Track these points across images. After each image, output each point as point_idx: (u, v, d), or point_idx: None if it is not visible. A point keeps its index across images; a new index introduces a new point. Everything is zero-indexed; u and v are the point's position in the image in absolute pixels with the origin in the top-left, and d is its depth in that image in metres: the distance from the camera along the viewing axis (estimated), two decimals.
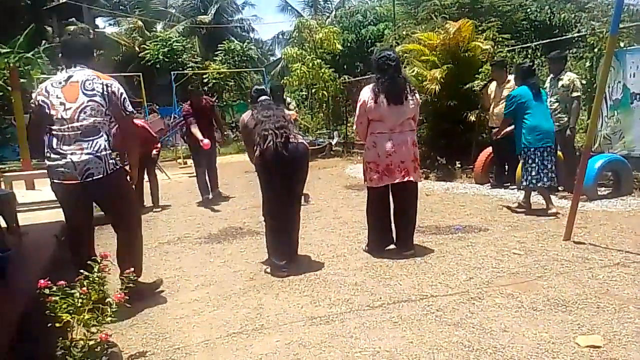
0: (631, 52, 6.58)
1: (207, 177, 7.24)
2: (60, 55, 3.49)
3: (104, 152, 3.09)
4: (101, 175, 3.08)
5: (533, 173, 5.31)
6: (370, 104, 4.03)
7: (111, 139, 3.20)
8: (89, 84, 3.13)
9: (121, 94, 3.22)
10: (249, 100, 4.68)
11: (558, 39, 10.17)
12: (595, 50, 7.05)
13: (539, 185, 5.33)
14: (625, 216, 5.12)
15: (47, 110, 3.10)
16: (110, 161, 3.12)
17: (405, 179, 4.07)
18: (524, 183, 5.43)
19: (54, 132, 3.09)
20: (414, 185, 4.17)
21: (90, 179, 3.06)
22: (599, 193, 6.01)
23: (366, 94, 4.07)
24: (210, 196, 7.17)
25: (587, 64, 7.41)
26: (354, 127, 4.24)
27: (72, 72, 3.19)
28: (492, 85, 7.09)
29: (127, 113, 3.28)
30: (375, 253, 4.23)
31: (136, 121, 6.98)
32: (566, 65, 6.78)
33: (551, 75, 6.46)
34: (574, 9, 15.47)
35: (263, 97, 4.26)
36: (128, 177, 3.42)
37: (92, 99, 3.11)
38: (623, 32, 8.03)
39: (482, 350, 2.54)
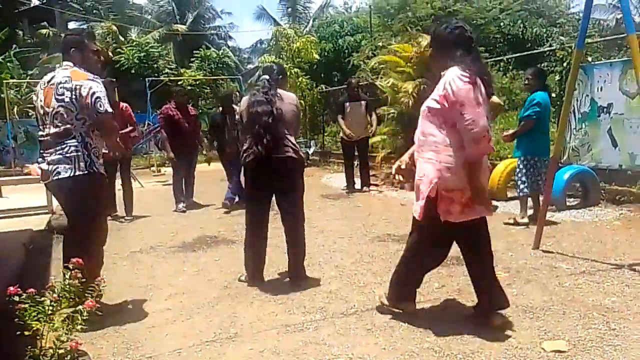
0: (598, 66, 6.83)
1: (184, 185, 7.18)
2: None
3: (73, 154, 3.05)
4: (67, 175, 3.04)
5: (531, 179, 5.27)
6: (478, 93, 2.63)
7: (88, 139, 3.12)
8: (61, 88, 3.06)
9: (92, 94, 3.06)
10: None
11: (530, 52, 10.49)
12: (565, 64, 7.30)
13: (532, 192, 5.31)
14: (592, 226, 5.29)
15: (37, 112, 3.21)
16: (82, 164, 3.07)
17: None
18: (525, 190, 5.32)
19: (41, 139, 3.18)
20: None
21: (57, 177, 3.05)
22: (568, 203, 6.19)
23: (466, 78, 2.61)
24: (183, 205, 7.08)
25: (557, 77, 7.68)
26: (476, 129, 2.55)
27: (56, 72, 3.16)
28: None
29: (98, 114, 3.09)
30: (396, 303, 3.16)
31: (122, 103, 6.81)
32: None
33: None
34: (546, 23, 16.00)
35: (263, 77, 3.80)
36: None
37: (61, 104, 3.05)
38: (592, 46, 8.35)
39: (452, 355, 2.59)
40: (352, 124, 8.20)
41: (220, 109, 7.23)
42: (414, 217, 2.96)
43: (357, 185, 8.41)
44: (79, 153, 3.07)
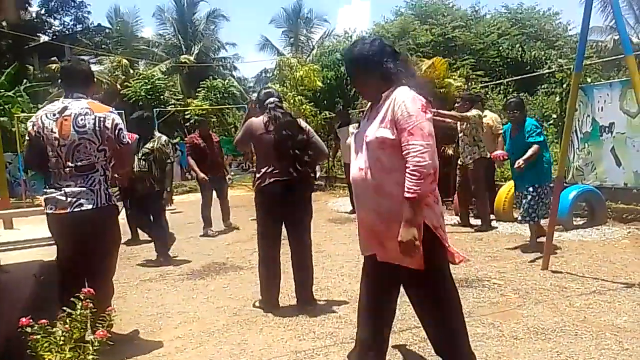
0: (598, 87, 6.92)
1: (212, 209, 7.40)
2: (59, 81, 3.35)
3: (97, 186, 3.04)
4: (91, 207, 3.00)
5: (545, 205, 5.06)
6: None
7: (108, 171, 3.15)
8: (81, 120, 3.00)
9: (115, 125, 3.07)
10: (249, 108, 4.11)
11: (529, 75, 10.63)
12: (564, 86, 7.40)
13: (540, 219, 5.15)
14: (600, 245, 5.27)
15: (43, 143, 3.04)
16: (104, 196, 3.06)
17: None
18: (536, 218, 5.11)
19: (51, 169, 3.07)
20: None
21: (79, 209, 2.99)
22: (575, 223, 6.17)
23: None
24: (212, 230, 7.27)
25: (557, 99, 7.77)
26: (423, 162, 2.13)
27: (67, 103, 3.07)
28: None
29: (122, 145, 3.12)
30: None
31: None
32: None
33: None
34: (544, 46, 16.21)
35: (272, 99, 3.79)
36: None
37: (83, 136, 3.00)
38: (591, 67, 8.46)
39: None
40: (345, 149, 8.34)
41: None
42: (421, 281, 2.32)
43: (350, 208, 8.53)
44: (101, 185, 3.06)
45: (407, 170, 2.14)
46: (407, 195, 2.13)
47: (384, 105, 2.28)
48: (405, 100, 2.21)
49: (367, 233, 2.43)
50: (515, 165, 4.96)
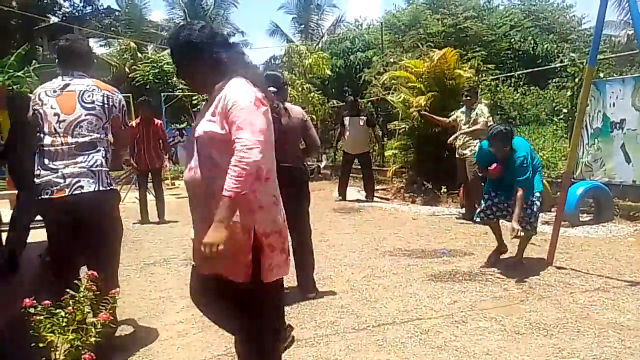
0: (611, 82, 6.81)
1: None
2: (57, 61, 3.11)
3: (98, 168, 2.83)
4: (91, 190, 2.78)
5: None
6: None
7: (109, 154, 2.98)
8: (88, 96, 2.85)
9: (122, 106, 2.98)
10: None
11: (540, 68, 10.49)
12: (576, 80, 7.30)
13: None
14: (606, 242, 5.23)
15: (40, 121, 2.83)
16: (105, 180, 2.85)
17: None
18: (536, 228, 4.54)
19: (45, 148, 2.80)
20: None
21: (79, 191, 2.75)
22: (581, 219, 6.13)
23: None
24: None
25: (569, 93, 7.68)
26: (248, 159, 1.85)
27: (69, 80, 2.90)
28: (459, 112, 6.73)
29: (125, 127, 3.07)
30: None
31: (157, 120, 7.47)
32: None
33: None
34: (557, 39, 16.01)
35: (271, 89, 3.55)
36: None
37: (90, 112, 2.84)
38: (604, 62, 8.35)
39: None
40: (350, 138, 8.65)
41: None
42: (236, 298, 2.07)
43: (356, 197, 8.80)
44: (103, 168, 2.86)
45: (230, 165, 1.88)
46: (224, 193, 1.87)
47: (215, 98, 2.03)
48: (236, 92, 1.98)
49: (197, 242, 2.14)
50: (512, 236, 4.11)
